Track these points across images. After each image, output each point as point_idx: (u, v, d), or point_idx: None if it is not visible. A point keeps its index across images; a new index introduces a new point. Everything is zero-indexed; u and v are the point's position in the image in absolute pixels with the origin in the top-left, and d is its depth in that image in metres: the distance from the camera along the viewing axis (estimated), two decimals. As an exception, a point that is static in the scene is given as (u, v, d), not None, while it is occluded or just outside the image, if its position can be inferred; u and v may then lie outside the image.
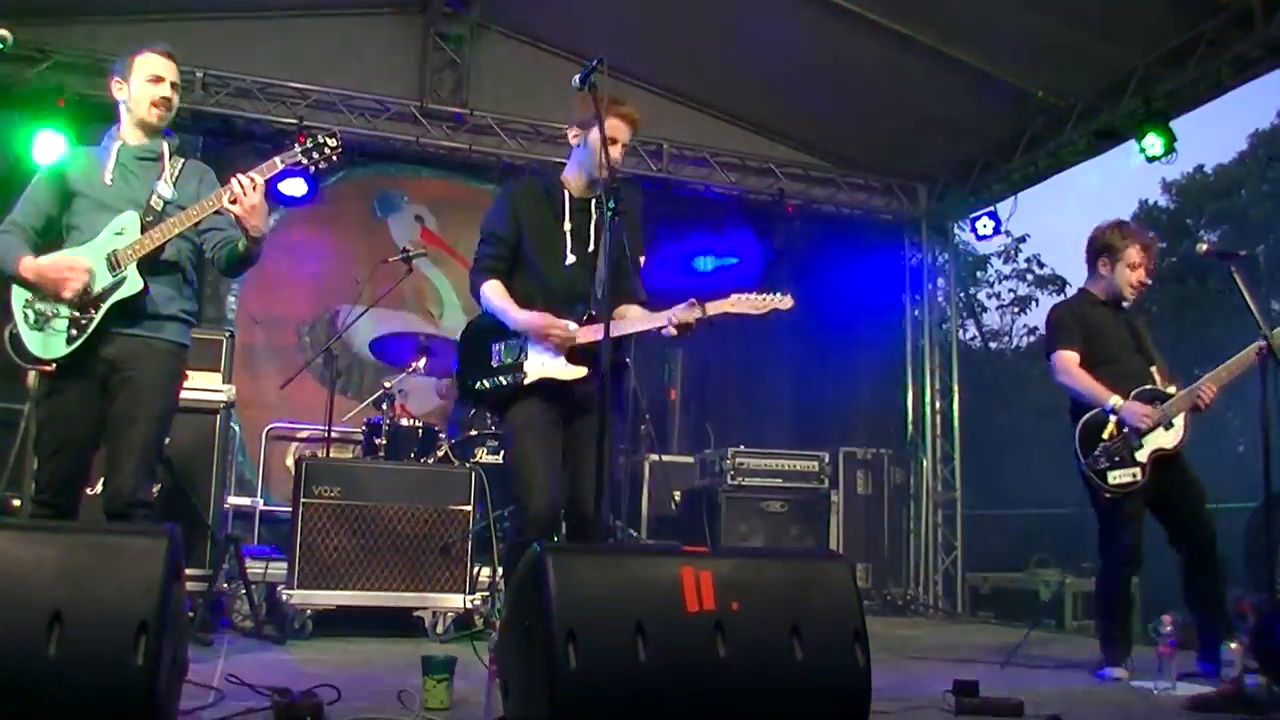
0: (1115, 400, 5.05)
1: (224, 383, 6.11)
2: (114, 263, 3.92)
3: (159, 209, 4.05)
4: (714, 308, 4.02)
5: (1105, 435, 5.08)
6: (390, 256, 7.24)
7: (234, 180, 3.88)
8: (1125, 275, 5.25)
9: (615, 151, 4.12)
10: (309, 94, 8.61)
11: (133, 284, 3.92)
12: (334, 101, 8.69)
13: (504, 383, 4.12)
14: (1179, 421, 5.05)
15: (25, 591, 2.36)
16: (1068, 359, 5.23)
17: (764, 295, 4.10)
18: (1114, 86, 7.98)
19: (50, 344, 3.88)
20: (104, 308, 3.90)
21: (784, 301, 4.11)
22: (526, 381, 4.08)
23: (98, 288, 3.90)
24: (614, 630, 2.62)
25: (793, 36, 8.37)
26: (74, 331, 3.87)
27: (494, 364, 4.18)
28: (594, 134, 4.07)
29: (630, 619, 2.63)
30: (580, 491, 4.06)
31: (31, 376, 4.45)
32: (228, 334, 6.31)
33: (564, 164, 4.40)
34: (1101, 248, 5.34)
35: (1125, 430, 5.04)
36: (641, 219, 4.40)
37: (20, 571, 2.39)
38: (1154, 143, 7.69)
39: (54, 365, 3.88)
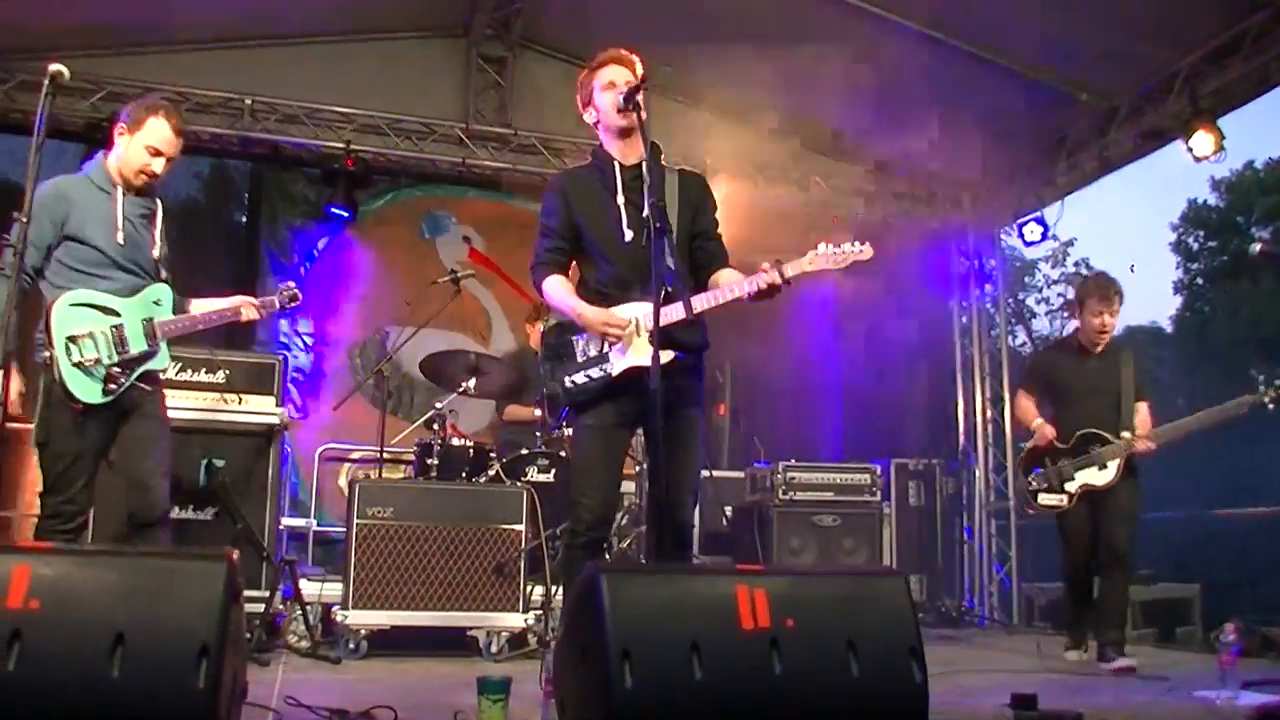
0: (1036, 423, 6.04)
1: (276, 405, 6.16)
2: (150, 333, 4.32)
3: (163, 274, 4.47)
4: (793, 268, 3.86)
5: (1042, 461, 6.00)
6: (439, 277, 7.29)
7: (245, 309, 4.64)
8: (1088, 322, 5.98)
9: (623, 87, 3.98)
10: (355, 118, 8.73)
11: (163, 359, 4.43)
12: (380, 125, 8.81)
13: (594, 376, 3.94)
14: (1113, 465, 5.79)
15: (89, 614, 2.39)
16: (1019, 396, 6.38)
17: (842, 247, 3.95)
18: (1160, 86, 7.91)
19: (87, 389, 4.13)
20: (137, 372, 4.29)
21: (864, 252, 3.96)
22: (614, 373, 3.91)
23: (134, 350, 4.26)
24: (669, 649, 2.62)
25: (832, 46, 8.34)
26: (111, 386, 4.19)
27: (580, 359, 4.00)
28: (596, 96, 4.09)
29: (685, 637, 2.63)
30: (670, 496, 3.86)
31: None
32: (280, 358, 6.36)
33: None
34: (1074, 299, 6.23)
35: (1059, 463, 5.92)
36: (708, 197, 4.28)
37: (84, 594, 2.43)
38: (1202, 142, 7.60)
39: (82, 406, 4.12)
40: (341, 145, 8.61)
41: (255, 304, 4.70)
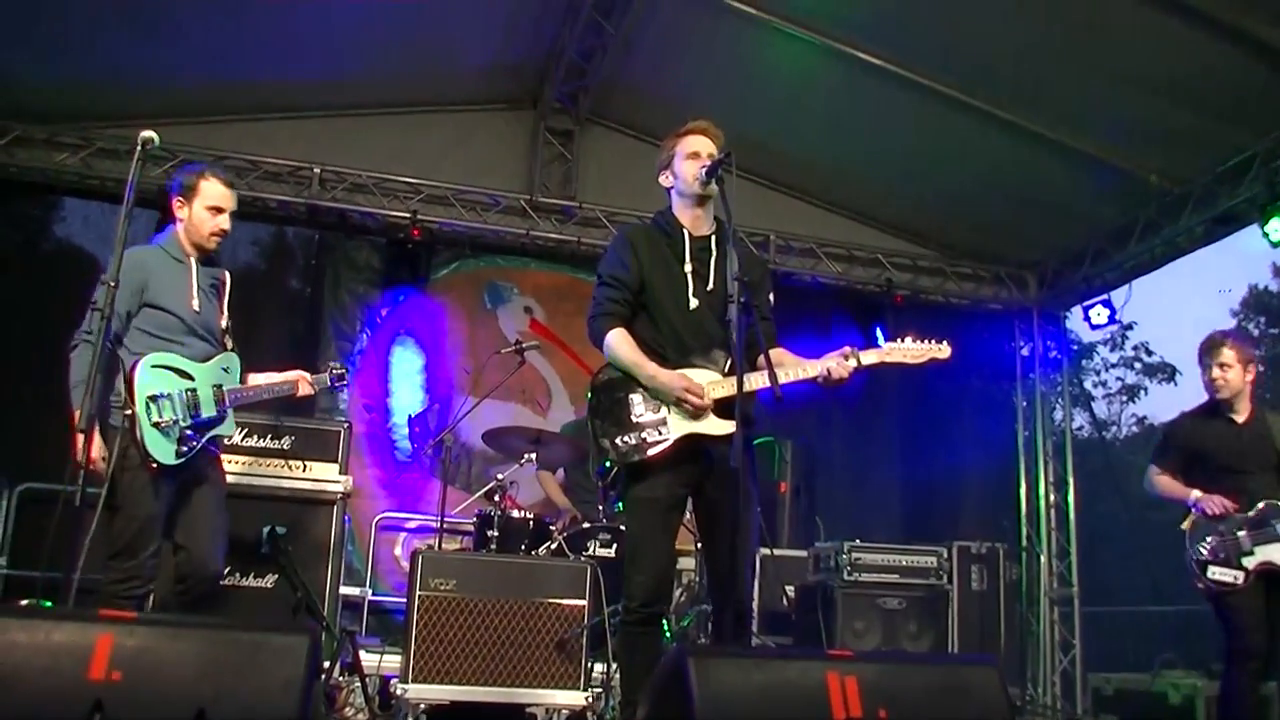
0: (1195, 494, 5.26)
1: (340, 473, 6.13)
2: (219, 399, 4.44)
3: (229, 344, 4.62)
4: (869, 357, 3.89)
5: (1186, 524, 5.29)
6: (500, 348, 7.28)
7: (301, 384, 4.84)
8: (1205, 381, 5.40)
9: (706, 159, 4.03)
10: (422, 188, 8.83)
11: (230, 426, 4.56)
12: (446, 195, 8.89)
13: (649, 439, 3.83)
14: None
15: (171, 687, 2.36)
16: (1151, 472, 5.56)
17: (921, 344, 3.97)
18: (1234, 169, 7.79)
19: (163, 450, 4.20)
20: (207, 436, 4.39)
21: (942, 351, 4.00)
22: (672, 438, 3.82)
23: (205, 414, 4.36)
24: (760, 738, 2.53)
25: (899, 125, 8.35)
26: (184, 449, 4.26)
27: (634, 418, 3.88)
28: (677, 163, 4.10)
29: (776, 726, 2.54)
30: (722, 571, 3.83)
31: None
32: (345, 425, 6.34)
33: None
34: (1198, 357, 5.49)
35: (1238, 533, 5.14)
36: (767, 280, 4.29)
37: (166, 667, 2.39)
38: (1277, 227, 7.49)
39: (158, 468, 4.18)
40: (408, 215, 8.70)
41: (309, 379, 4.90)
